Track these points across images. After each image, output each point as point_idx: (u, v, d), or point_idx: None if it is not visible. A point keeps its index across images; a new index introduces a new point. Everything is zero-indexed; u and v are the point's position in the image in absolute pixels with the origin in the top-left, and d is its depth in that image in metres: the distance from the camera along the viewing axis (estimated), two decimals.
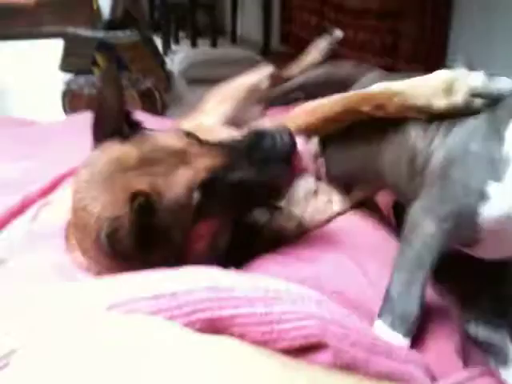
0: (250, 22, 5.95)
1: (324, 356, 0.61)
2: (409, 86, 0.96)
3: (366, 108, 0.97)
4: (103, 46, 3.71)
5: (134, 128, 0.85)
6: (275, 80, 1.62)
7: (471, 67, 0.92)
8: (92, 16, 6.84)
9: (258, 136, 0.84)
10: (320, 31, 4.30)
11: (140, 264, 0.70)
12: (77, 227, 0.78)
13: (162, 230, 0.74)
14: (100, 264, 0.75)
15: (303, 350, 0.61)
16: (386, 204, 1.26)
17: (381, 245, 1.03)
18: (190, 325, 0.57)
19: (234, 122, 1.37)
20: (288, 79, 1.72)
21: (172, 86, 4.21)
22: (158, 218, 0.73)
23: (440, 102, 0.91)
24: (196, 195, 0.76)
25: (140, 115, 1.92)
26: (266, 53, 5.12)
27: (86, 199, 0.75)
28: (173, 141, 0.81)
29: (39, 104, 3.50)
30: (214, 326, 0.59)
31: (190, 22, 5.26)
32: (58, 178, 1.34)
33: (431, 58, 2.90)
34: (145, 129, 0.87)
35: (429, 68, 3.10)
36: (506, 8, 2.46)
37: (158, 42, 5.32)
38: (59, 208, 1.12)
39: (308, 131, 1.07)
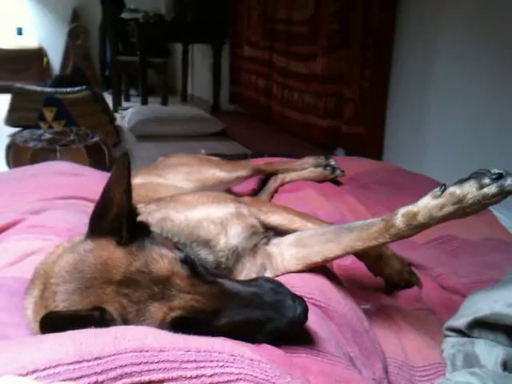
0: (200, 81, 6.11)
1: None
2: None
3: None
4: (51, 101, 3.69)
5: (137, 230, 0.79)
6: (257, 173, 1.75)
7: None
8: (42, 72, 6.87)
9: (271, 290, 0.77)
10: (267, 93, 4.49)
11: None
12: (39, 297, 0.76)
13: None
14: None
15: None
16: None
17: None
18: None
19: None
20: (272, 174, 1.87)
21: (121, 141, 4.22)
22: None
23: None
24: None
25: (87, 170, 1.94)
26: (216, 111, 5.25)
27: (59, 286, 0.73)
28: (164, 265, 0.75)
29: None
30: None
31: (141, 80, 5.34)
32: None
33: (372, 120, 3.05)
34: (148, 233, 0.81)
35: (370, 129, 3.23)
36: (441, 62, 2.64)
37: (110, 98, 5.36)
38: None
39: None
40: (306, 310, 0.75)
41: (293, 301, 0.76)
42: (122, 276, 0.72)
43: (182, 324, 0.72)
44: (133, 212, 0.80)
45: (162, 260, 0.75)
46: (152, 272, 0.74)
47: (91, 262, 0.74)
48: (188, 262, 0.77)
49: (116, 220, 0.77)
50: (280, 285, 0.79)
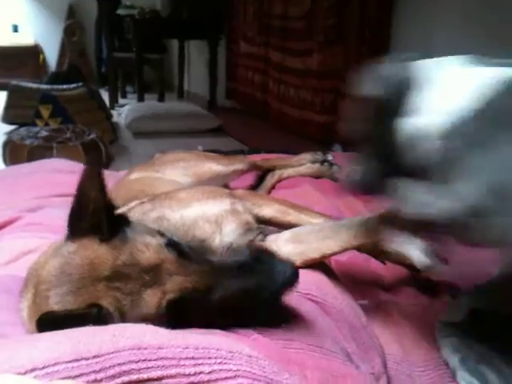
0: (196, 77, 6.10)
1: None
2: None
3: None
4: (47, 98, 3.68)
5: (117, 223, 0.78)
6: (253, 168, 1.76)
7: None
8: (38, 69, 6.84)
9: (258, 259, 0.78)
10: (263, 88, 4.47)
11: None
12: (33, 301, 0.75)
13: None
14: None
15: None
16: None
17: None
18: None
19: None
20: (269, 170, 1.86)
21: (118, 138, 4.21)
22: None
23: None
24: (163, 315, 0.72)
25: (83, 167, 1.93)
26: (212, 107, 5.24)
27: (50, 291, 0.72)
28: (151, 254, 0.75)
29: None
30: None
31: (137, 77, 5.32)
32: None
33: None
34: (128, 224, 0.80)
35: None
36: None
37: (106, 95, 5.34)
38: None
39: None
40: (295, 271, 0.78)
41: (281, 265, 0.77)
42: (110, 272, 0.72)
43: (178, 306, 0.72)
44: (110, 206, 0.79)
45: (148, 249, 0.75)
46: (140, 263, 0.74)
47: (77, 264, 0.73)
48: (173, 245, 0.77)
49: (94, 217, 0.76)
50: (266, 252, 0.82)
